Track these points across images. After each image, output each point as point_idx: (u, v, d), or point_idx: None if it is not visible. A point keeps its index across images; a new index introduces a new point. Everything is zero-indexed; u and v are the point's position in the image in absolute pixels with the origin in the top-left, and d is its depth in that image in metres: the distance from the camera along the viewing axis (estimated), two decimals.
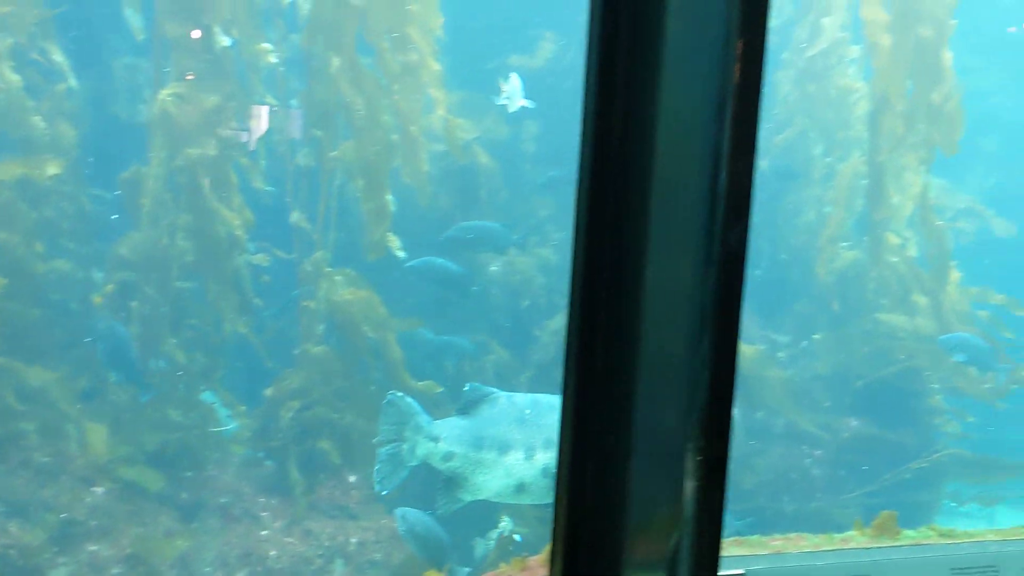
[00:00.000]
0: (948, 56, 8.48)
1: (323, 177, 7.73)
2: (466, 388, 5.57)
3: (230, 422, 7.89)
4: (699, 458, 1.49)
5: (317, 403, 7.68)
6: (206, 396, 7.86)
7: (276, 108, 8.19)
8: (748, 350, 9.05)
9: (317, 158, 7.69)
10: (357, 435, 7.64)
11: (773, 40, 9.86)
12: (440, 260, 8.40)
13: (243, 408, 7.90)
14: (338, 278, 7.70)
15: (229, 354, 7.96)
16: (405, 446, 5.46)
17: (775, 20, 9.96)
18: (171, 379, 7.65)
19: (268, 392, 7.77)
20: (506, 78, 8.65)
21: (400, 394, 5.56)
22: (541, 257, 9.78)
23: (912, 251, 9.32)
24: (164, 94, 7.40)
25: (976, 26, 11.36)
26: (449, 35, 7.84)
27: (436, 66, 7.47)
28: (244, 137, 8.02)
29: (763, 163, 10.24)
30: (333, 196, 7.70)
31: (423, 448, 5.45)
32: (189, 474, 7.60)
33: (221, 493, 7.61)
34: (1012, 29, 12.84)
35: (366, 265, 7.82)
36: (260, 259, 7.91)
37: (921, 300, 9.22)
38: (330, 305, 7.64)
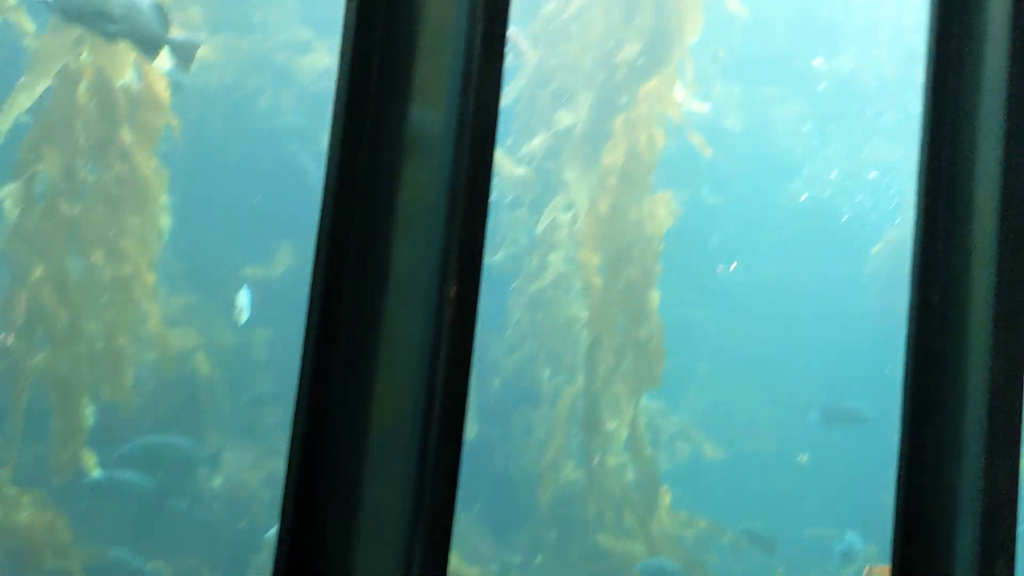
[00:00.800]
0: (656, 296, 9.16)
1: (15, 389, 7.22)
2: None
3: None
4: None
5: None
6: None
7: None
8: (480, 572, 9.02)
9: (10, 368, 7.21)
10: None
11: (509, 267, 10.44)
12: (128, 474, 7.84)
13: None
14: (24, 499, 7.09)
15: None
16: None
17: (510, 249, 10.57)
18: None
19: None
20: (238, 289, 8.58)
21: None
22: (268, 470, 9.45)
23: (628, 474, 9.69)
24: None
25: (689, 265, 12.42)
26: (184, 240, 7.69)
27: (151, 278, 7.31)
28: None
29: (496, 382, 10.59)
30: (23, 410, 7.18)
31: None
32: None
33: None
34: (720, 268, 14.19)
35: (56, 486, 7.26)
36: None
37: (634, 524, 9.54)
38: (6, 531, 6.98)
